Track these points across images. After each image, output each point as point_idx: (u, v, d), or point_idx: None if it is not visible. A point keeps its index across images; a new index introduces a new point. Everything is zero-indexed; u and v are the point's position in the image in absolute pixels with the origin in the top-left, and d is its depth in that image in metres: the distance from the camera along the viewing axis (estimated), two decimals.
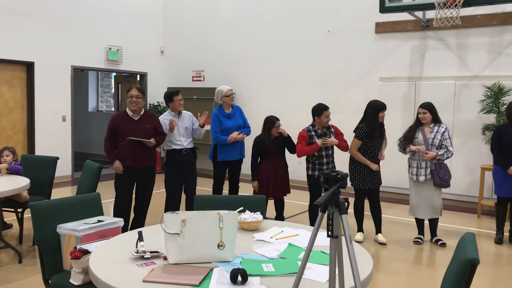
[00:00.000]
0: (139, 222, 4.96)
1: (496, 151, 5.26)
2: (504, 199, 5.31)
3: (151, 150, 4.84)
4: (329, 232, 1.73)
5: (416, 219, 5.27)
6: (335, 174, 1.72)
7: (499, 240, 5.34)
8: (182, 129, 5.22)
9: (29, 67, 8.41)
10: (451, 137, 5.08)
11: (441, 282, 2.29)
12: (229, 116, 5.62)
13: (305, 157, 5.23)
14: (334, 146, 5.25)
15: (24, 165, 5.04)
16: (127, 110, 4.75)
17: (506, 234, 5.50)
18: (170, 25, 10.67)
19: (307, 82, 8.78)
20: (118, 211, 4.74)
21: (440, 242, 5.15)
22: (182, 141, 5.21)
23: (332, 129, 5.25)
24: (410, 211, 5.23)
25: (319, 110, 5.12)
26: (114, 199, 4.90)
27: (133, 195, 4.90)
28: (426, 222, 5.32)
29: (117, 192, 4.84)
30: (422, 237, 5.29)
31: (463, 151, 7.12)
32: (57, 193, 7.04)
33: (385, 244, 5.23)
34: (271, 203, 5.67)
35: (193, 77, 10.34)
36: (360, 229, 5.31)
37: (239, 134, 5.48)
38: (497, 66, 7.04)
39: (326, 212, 1.74)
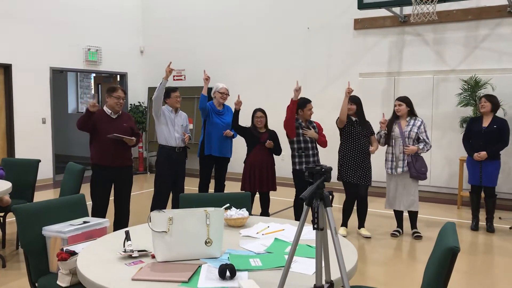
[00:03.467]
0: (121, 224, 4.89)
1: (464, 141, 5.60)
2: (476, 187, 5.56)
3: (128, 149, 4.84)
4: (315, 225, 1.78)
5: (395, 212, 5.37)
6: (319, 168, 1.76)
7: (474, 227, 5.58)
8: (178, 126, 5.24)
9: (6, 69, 8.28)
10: (427, 130, 5.22)
11: (424, 270, 2.36)
12: (219, 113, 5.70)
13: (290, 152, 5.28)
14: None
15: (5, 168, 4.97)
16: (105, 108, 4.72)
17: (483, 222, 5.66)
18: (149, 24, 10.60)
19: (288, 80, 8.82)
20: (96, 214, 4.63)
21: (416, 235, 5.26)
22: (176, 138, 5.22)
23: (314, 124, 5.33)
24: (386, 204, 5.32)
25: (303, 103, 5.20)
26: (91, 201, 4.74)
27: (110, 197, 4.84)
28: (406, 215, 5.42)
29: (94, 192, 4.74)
30: (400, 230, 5.39)
31: (442, 143, 7.27)
32: (39, 196, 6.96)
33: (369, 237, 5.33)
34: (256, 200, 5.71)
35: (174, 76, 10.30)
36: (344, 224, 5.39)
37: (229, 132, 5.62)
38: (473, 60, 7.20)
39: (312, 205, 1.78)
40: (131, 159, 4.92)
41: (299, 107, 5.21)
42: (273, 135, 5.50)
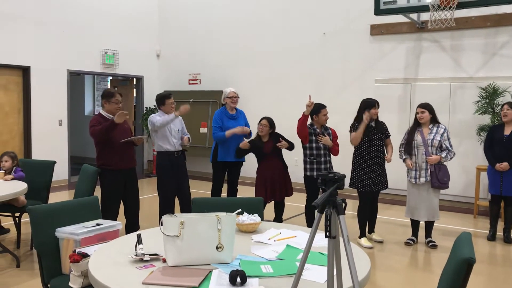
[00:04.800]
0: (133, 226, 4.91)
1: (486, 149, 5.47)
2: (496, 197, 5.44)
3: (133, 150, 4.91)
4: (327, 233, 1.75)
5: (412, 220, 5.28)
6: (332, 175, 1.74)
7: (491, 237, 5.47)
8: (174, 132, 5.23)
9: (25, 72, 8.41)
10: (450, 137, 5.09)
11: (438, 281, 2.31)
12: (232, 117, 5.70)
13: (302, 158, 5.25)
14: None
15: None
16: (103, 113, 4.68)
17: (500, 233, 5.55)
18: (166, 28, 10.69)
19: (303, 84, 8.81)
20: (109, 216, 4.56)
21: (431, 243, 5.16)
22: (174, 143, 5.21)
23: (330, 131, 5.28)
24: (407, 213, 5.22)
25: (317, 109, 5.13)
26: (101, 203, 4.62)
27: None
28: (422, 223, 5.34)
29: (108, 197, 4.71)
30: (415, 238, 5.30)
31: (459, 151, 7.15)
32: (54, 197, 7.04)
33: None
34: (270, 205, 5.67)
35: (189, 80, 10.36)
36: (363, 234, 5.24)
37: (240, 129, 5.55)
38: (491, 67, 7.09)
39: (324, 213, 1.76)
40: (135, 160, 5.00)
41: (314, 113, 5.14)
42: (277, 138, 5.40)
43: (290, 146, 5.43)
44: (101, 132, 4.48)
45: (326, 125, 5.31)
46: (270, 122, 5.38)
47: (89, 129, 4.61)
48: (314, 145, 5.14)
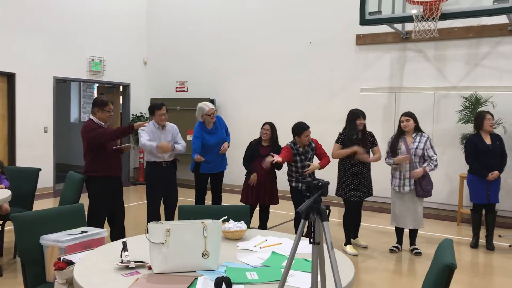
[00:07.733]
0: (119, 234, 4.86)
1: (471, 161, 5.45)
2: (479, 206, 5.50)
3: (120, 158, 4.94)
4: (311, 239, 1.78)
5: (397, 228, 5.33)
6: (316, 182, 1.77)
7: (474, 245, 5.54)
8: (164, 142, 5.20)
9: (10, 78, 8.33)
10: (433, 145, 5.14)
11: (421, 287, 2.35)
12: (211, 132, 5.62)
13: (287, 169, 5.27)
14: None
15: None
16: (95, 120, 4.72)
17: (483, 240, 5.63)
18: (153, 35, 10.69)
19: (290, 93, 8.88)
20: (96, 224, 4.53)
21: (416, 251, 5.21)
22: (163, 154, 5.19)
23: (313, 145, 5.20)
24: (392, 221, 5.28)
25: (300, 130, 5.06)
26: (89, 211, 4.63)
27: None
28: (406, 231, 5.39)
29: (98, 205, 4.69)
30: (399, 246, 5.35)
31: (442, 160, 7.26)
32: (39, 205, 6.96)
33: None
34: (256, 213, 5.69)
35: (176, 88, 10.36)
36: (349, 241, 5.28)
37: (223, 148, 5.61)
38: (474, 77, 7.23)
39: (308, 219, 1.79)
40: (121, 168, 5.03)
41: (296, 134, 5.11)
42: (276, 147, 5.45)
43: (277, 166, 5.29)
44: (115, 133, 4.63)
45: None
46: (272, 127, 5.54)
47: (89, 132, 4.59)
48: (299, 164, 5.14)
